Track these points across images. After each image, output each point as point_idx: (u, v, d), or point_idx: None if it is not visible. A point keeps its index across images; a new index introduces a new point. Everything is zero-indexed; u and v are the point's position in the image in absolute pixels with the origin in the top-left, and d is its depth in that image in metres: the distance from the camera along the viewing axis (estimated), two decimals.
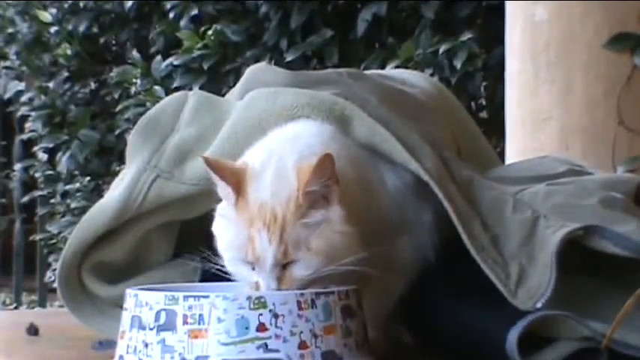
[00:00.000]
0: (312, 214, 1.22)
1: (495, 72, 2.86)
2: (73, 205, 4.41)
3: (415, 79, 1.75)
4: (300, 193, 1.21)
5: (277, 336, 1.11)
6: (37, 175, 4.79)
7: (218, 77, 3.56)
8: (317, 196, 1.22)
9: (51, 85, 4.57)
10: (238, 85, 1.64)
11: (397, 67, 2.90)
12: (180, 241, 1.59)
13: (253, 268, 1.22)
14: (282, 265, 1.21)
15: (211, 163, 1.25)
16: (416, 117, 1.54)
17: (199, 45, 3.53)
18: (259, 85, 1.54)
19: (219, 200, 1.30)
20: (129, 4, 4.04)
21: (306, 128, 1.38)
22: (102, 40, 4.40)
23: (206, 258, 1.30)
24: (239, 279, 1.27)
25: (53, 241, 4.63)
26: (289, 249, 1.20)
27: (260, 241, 1.20)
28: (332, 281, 1.25)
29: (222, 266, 1.28)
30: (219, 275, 1.35)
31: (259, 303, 1.12)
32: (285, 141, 1.33)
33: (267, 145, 1.33)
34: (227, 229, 1.26)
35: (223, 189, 1.25)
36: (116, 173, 1.58)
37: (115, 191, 1.51)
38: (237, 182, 1.23)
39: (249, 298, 1.12)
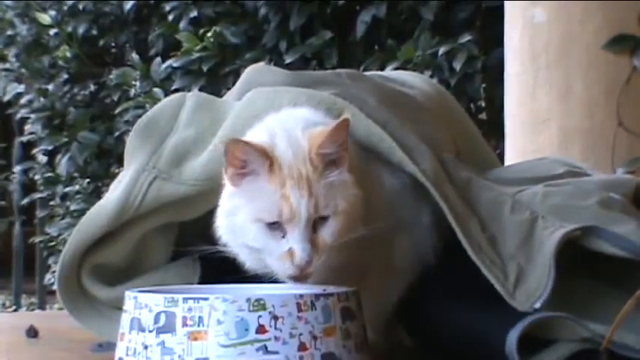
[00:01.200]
0: (327, 175, 1.25)
1: (494, 74, 2.86)
2: (72, 208, 4.41)
3: (414, 81, 1.75)
4: (314, 154, 1.24)
5: (277, 338, 1.11)
6: (36, 177, 4.79)
7: (217, 79, 3.56)
8: (329, 159, 1.25)
9: (50, 87, 4.57)
10: (237, 85, 1.64)
11: (396, 68, 2.90)
12: (179, 243, 1.59)
13: (283, 236, 1.23)
14: (313, 227, 1.23)
15: (236, 140, 1.24)
16: (414, 118, 1.54)
17: (198, 47, 3.53)
18: (258, 86, 1.54)
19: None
20: (128, 6, 4.04)
21: (303, 111, 1.40)
22: (101, 42, 4.40)
23: (216, 253, 1.31)
24: (260, 262, 1.28)
25: (53, 243, 4.63)
26: (319, 203, 1.23)
27: (294, 196, 1.22)
28: (335, 279, 1.26)
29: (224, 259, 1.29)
30: (219, 277, 1.36)
31: (259, 305, 1.11)
32: (285, 119, 1.35)
33: (266, 125, 1.34)
34: (251, 201, 1.25)
35: (250, 160, 1.24)
36: (115, 175, 1.58)
37: (114, 193, 1.51)
38: (264, 151, 1.24)
39: (248, 299, 1.12)
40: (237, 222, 1.27)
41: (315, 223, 1.24)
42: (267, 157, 1.24)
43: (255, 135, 1.32)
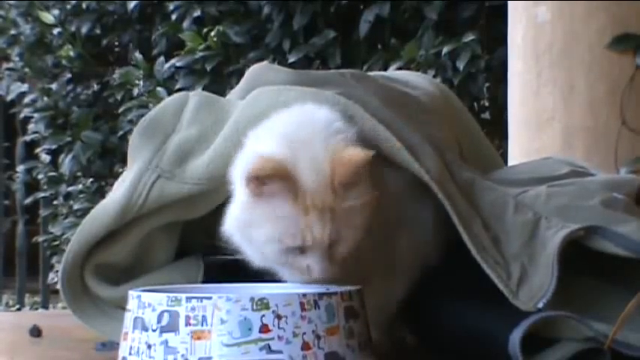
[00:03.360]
0: (349, 197, 1.25)
1: (498, 73, 2.86)
2: (75, 207, 4.41)
3: (418, 81, 1.75)
4: (337, 183, 1.24)
5: (280, 337, 1.11)
6: (39, 176, 4.78)
7: (221, 78, 3.56)
8: (351, 185, 1.26)
9: (54, 86, 4.56)
10: (240, 84, 1.63)
11: (400, 68, 2.90)
12: (183, 242, 1.59)
13: (301, 253, 1.25)
14: (330, 244, 1.25)
15: (265, 170, 1.23)
16: (418, 119, 1.54)
17: (202, 46, 3.53)
18: (261, 84, 1.53)
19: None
20: (131, 5, 4.03)
21: (321, 113, 1.37)
22: (104, 42, 4.39)
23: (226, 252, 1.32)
24: (279, 269, 1.30)
25: (56, 242, 4.62)
26: (340, 230, 1.25)
27: (317, 227, 1.23)
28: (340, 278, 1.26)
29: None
30: (222, 276, 1.36)
31: (262, 304, 1.11)
32: (303, 126, 1.33)
33: (284, 133, 1.31)
34: (272, 222, 1.25)
35: (274, 182, 1.24)
36: (119, 174, 1.58)
37: (117, 192, 1.50)
38: (289, 177, 1.24)
39: (251, 299, 1.12)
40: (255, 236, 1.27)
41: (333, 241, 1.25)
42: (291, 182, 1.24)
43: (276, 147, 1.29)
